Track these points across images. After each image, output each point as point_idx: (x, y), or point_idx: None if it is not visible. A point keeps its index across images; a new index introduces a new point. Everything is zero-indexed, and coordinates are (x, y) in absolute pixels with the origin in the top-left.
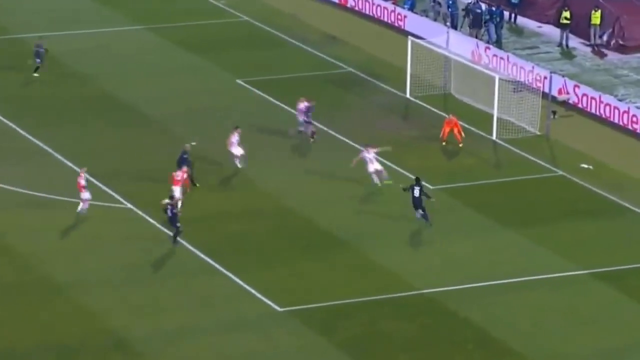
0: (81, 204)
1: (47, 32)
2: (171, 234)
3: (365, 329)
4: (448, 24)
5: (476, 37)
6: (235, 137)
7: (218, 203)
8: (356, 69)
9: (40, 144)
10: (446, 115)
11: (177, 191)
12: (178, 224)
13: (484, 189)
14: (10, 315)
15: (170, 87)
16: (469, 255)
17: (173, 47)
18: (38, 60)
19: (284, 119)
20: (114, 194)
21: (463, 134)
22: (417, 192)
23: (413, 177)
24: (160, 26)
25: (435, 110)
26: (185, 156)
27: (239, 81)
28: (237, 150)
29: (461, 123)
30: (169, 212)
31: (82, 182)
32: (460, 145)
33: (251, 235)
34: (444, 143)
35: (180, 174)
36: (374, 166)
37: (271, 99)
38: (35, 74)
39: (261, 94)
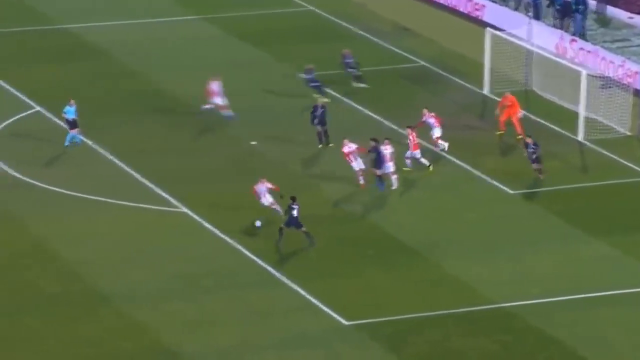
0: (271, 205)
1: (92, 22)
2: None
3: (436, 346)
4: (530, 13)
5: (561, 28)
6: (388, 149)
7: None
8: (429, 63)
9: (88, 142)
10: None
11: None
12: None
13: (569, 195)
14: (54, 328)
15: (227, 83)
16: (553, 266)
17: (230, 39)
18: (352, 70)
19: (350, 118)
20: (167, 196)
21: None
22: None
23: (491, 182)
24: (216, 16)
25: None
26: (316, 113)
27: (301, 76)
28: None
29: (542, 121)
30: (294, 212)
31: (271, 185)
32: (499, 133)
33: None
34: (498, 133)
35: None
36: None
37: (337, 94)
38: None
39: (326, 90)
